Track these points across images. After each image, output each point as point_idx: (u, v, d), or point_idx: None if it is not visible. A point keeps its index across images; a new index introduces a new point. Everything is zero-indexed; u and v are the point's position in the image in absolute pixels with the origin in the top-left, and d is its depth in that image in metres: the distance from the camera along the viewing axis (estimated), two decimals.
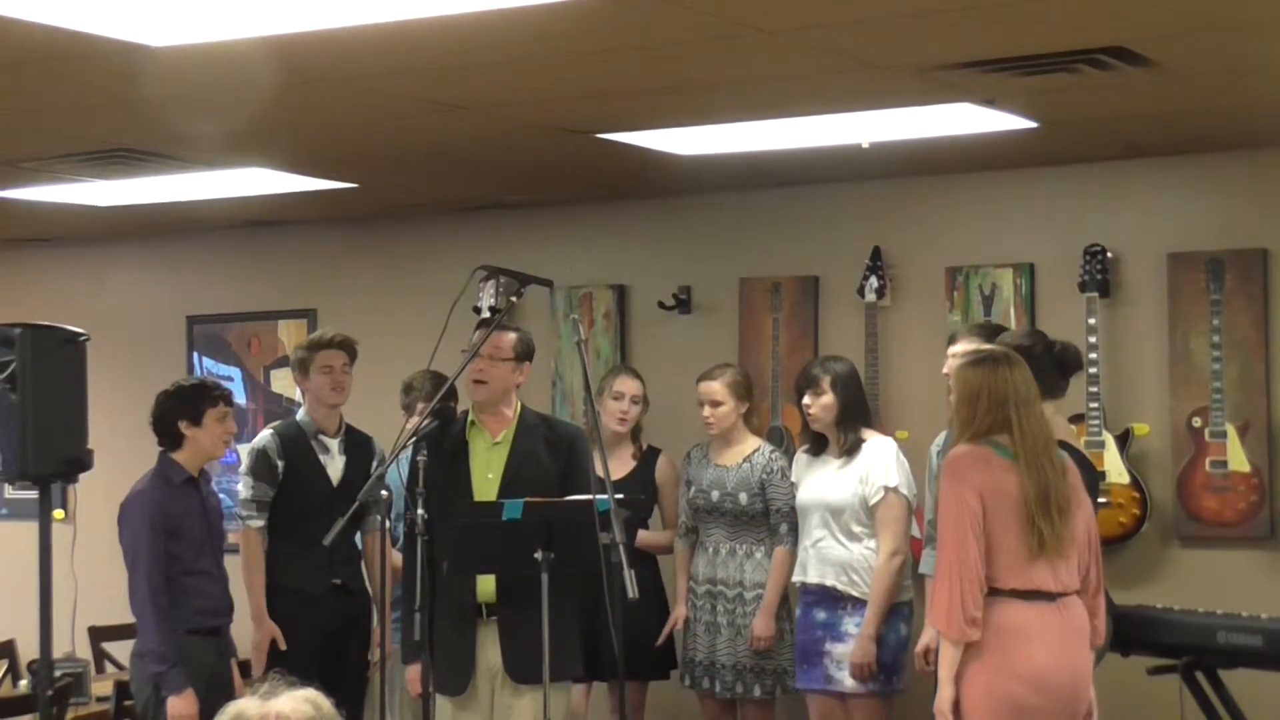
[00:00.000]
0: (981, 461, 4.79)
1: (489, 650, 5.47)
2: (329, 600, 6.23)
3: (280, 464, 6.22)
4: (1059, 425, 5.55)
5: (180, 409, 5.90)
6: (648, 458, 6.90)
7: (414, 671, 5.58)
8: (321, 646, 6.16)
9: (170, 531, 5.81)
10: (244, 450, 6.55)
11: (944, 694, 4.76)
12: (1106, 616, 5.55)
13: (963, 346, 5.80)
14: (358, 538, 6.39)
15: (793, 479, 6.45)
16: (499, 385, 5.59)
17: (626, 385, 6.85)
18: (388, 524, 5.97)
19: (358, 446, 6.40)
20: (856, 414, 6.31)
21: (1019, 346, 5.54)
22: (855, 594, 6.16)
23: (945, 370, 5.86)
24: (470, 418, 5.63)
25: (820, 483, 6.30)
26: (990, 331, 5.94)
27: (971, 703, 4.74)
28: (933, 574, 5.76)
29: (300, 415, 6.45)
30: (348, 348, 6.42)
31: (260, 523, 6.20)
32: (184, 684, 5.65)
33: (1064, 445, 5.52)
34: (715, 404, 6.52)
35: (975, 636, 4.71)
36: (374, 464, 6.37)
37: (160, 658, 5.70)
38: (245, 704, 2.47)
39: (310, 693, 2.50)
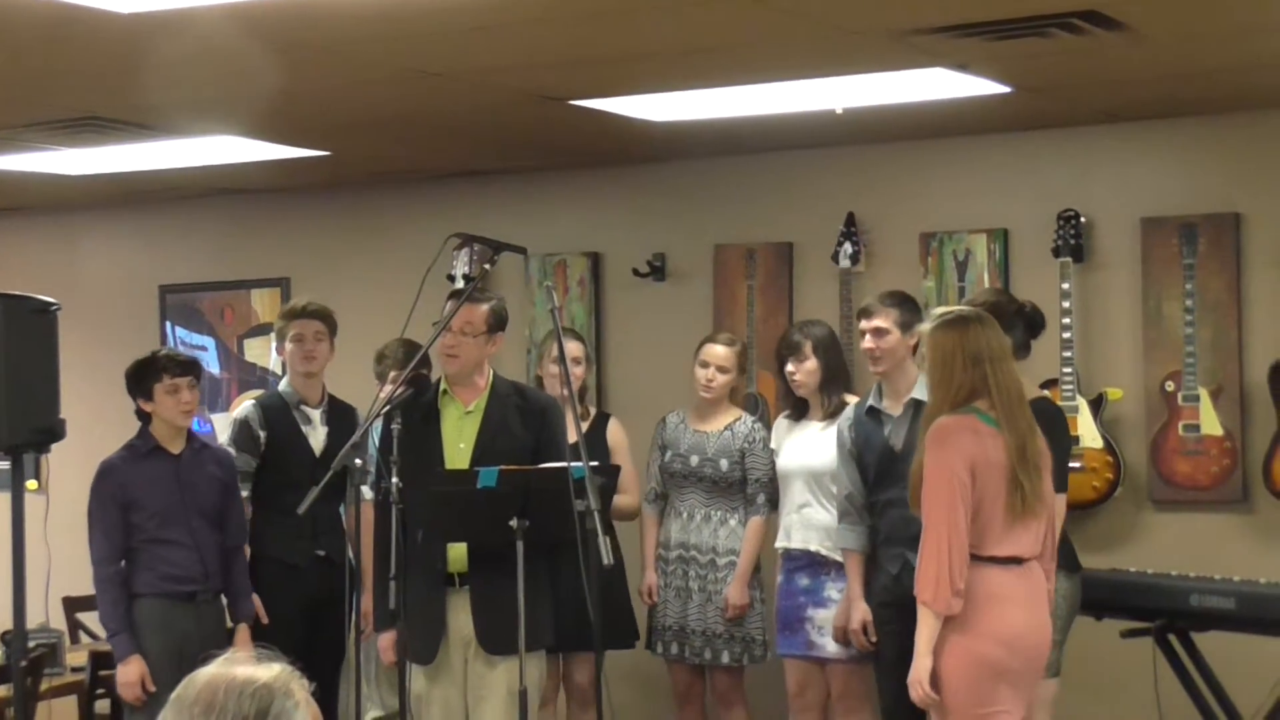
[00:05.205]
0: (970, 431, 4.78)
1: (461, 619, 5.44)
2: (311, 571, 6.22)
3: (262, 434, 6.21)
4: (1027, 388, 5.55)
5: (134, 386, 5.95)
6: (598, 422, 6.71)
7: (386, 639, 5.57)
8: (302, 617, 6.16)
9: (128, 502, 5.84)
10: (224, 420, 6.53)
11: (923, 665, 4.74)
12: (1075, 579, 5.59)
13: (879, 322, 5.76)
14: (341, 509, 6.35)
15: (772, 445, 6.44)
16: (471, 359, 5.55)
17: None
18: (364, 493, 5.95)
19: (340, 417, 6.36)
20: (838, 377, 6.29)
21: (992, 304, 5.53)
22: (838, 559, 6.16)
23: (866, 345, 5.82)
24: (442, 386, 5.61)
25: (803, 447, 6.28)
26: (901, 299, 5.89)
27: (949, 669, 4.74)
28: (854, 549, 5.86)
29: (282, 385, 6.45)
30: (321, 317, 6.38)
31: (244, 493, 6.18)
32: (128, 651, 5.73)
33: (1044, 401, 5.53)
34: (722, 370, 6.46)
35: (959, 608, 4.71)
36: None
37: (106, 626, 5.83)
38: (207, 669, 2.47)
39: (284, 667, 2.48)
